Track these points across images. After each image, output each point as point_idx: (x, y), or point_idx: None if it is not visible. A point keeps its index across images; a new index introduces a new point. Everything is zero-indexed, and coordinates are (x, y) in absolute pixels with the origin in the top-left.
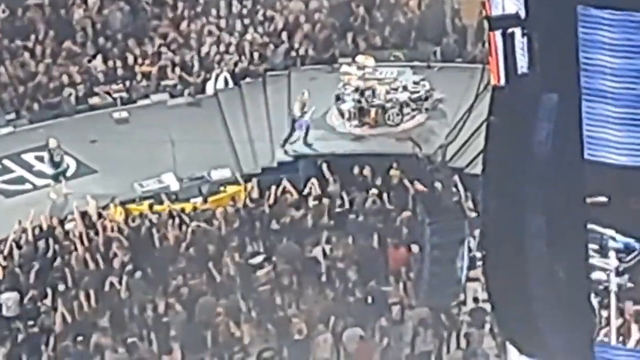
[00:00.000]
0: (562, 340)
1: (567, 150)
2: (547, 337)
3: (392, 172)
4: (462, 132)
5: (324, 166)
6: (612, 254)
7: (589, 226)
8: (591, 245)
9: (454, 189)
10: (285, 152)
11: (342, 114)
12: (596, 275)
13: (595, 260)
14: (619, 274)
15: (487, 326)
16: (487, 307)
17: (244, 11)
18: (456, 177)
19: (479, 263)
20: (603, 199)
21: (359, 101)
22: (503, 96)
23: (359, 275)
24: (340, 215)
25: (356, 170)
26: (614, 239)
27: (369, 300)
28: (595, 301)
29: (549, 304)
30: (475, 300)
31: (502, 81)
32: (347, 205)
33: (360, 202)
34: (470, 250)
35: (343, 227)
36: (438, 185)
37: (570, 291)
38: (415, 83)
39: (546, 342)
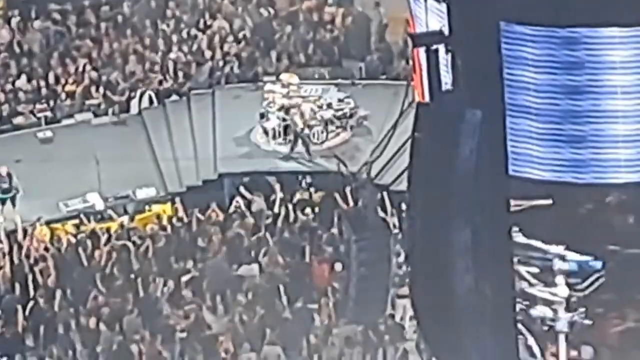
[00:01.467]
0: (487, 356)
1: (491, 166)
2: (472, 354)
3: (316, 190)
4: (387, 149)
5: (246, 184)
6: (560, 279)
7: (530, 242)
8: (530, 269)
9: (379, 206)
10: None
11: (266, 132)
12: (538, 311)
13: (536, 290)
14: (570, 307)
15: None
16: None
17: (168, 30)
18: (381, 194)
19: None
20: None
21: (284, 119)
22: (427, 113)
23: (285, 293)
24: (265, 233)
25: (280, 187)
26: (563, 258)
27: (296, 318)
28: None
29: (474, 320)
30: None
31: (427, 98)
32: (271, 223)
33: (285, 220)
34: (399, 266)
35: (267, 244)
36: (363, 202)
37: (495, 307)
38: (340, 100)
39: (471, 358)
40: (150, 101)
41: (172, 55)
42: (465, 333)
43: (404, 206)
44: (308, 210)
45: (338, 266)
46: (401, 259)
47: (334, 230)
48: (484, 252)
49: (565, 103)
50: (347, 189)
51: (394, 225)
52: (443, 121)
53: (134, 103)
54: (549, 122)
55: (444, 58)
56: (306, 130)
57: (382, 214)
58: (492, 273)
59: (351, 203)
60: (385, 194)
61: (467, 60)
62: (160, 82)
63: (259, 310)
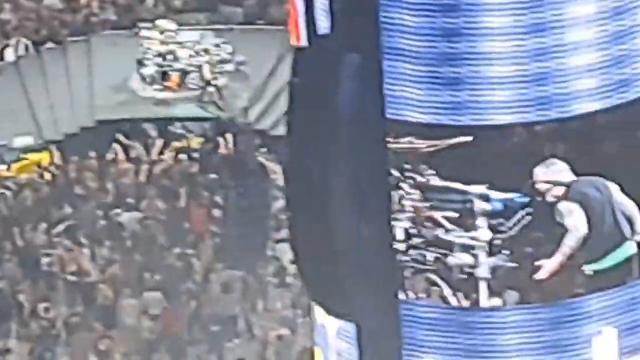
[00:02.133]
0: (368, 299)
1: (369, 109)
2: (352, 297)
3: (195, 136)
4: (265, 94)
5: (124, 131)
6: (482, 221)
7: (447, 184)
8: (446, 214)
9: (257, 152)
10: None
11: (143, 79)
12: (456, 259)
13: (454, 236)
14: (493, 251)
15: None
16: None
17: None
18: (260, 140)
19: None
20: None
21: (161, 65)
22: (305, 57)
23: (164, 239)
24: (144, 180)
25: (158, 134)
26: (485, 198)
27: (175, 264)
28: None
29: (354, 263)
30: (277, 259)
31: (304, 42)
32: (150, 170)
33: (163, 166)
34: (279, 211)
35: (146, 191)
36: (242, 148)
37: (375, 249)
38: (217, 46)
39: (352, 301)
40: (26, 49)
41: (46, 2)
42: (346, 276)
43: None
44: (187, 156)
45: (216, 212)
46: (280, 204)
47: (213, 176)
48: (363, 195)
49: (442, 45)
50: (226, 135)
51: (273, 171)
52: (321, 65)
53: (9, 51)
54: (426, 64)
55: (321, 2)
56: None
57: (260, 159)
58: (372, 216)
59: (230, 149)
60: (263, 139)
61: (344, 3)
62: (36, 30)
63: (138, 257)
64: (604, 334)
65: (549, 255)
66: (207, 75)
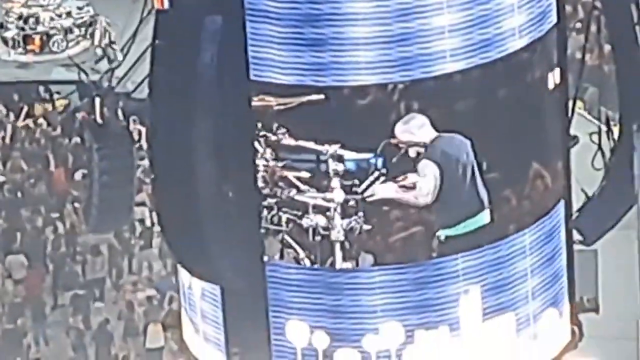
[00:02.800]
0: (232, 261)
1: (232, 71)
2: (217, 259)
3: (58, 99)
4: (128, 57)
5: None
6: (335, 182)
7: (299, 144)
8: (299, 174)
9: (121, 114)
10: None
11: (5, 42)
12: (310, 220)
13: (308, 196)
14: (347, 213)
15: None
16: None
17: None
18: (123, 102)
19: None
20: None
21: (23, 28)
22: (167, 19)
23: (28, 203)
24: (8, 142)
25: (20, 97)
26: (339, 158)
27: (39, 227)
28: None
29: (219, 225)
30: (142, 222)
31: (166, 4)
32: (13, 133)
33: (27, 129)
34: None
35: (10, 154)
36: (105, 110)
37: (240, 211)
38: (79, 9)
39: (216, 264)
40: None
41: None
42: (210, 238)
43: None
44: (50, 119)
45: (78, 175)
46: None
47: (77, 139)
48: (227, 157)
49: (305, 7)
50: (89, 98)
51: (138, 132)
52: (183, 28)
53: None
54: (289, 25)
55: None
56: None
57: (124, 122)
58: (236, 178)
59: (94, 112)
60: (126, 101)
61: None
62: None
63: (1, 221)
64: (471, 292)
65: (406, 216)
66: (72, 37)
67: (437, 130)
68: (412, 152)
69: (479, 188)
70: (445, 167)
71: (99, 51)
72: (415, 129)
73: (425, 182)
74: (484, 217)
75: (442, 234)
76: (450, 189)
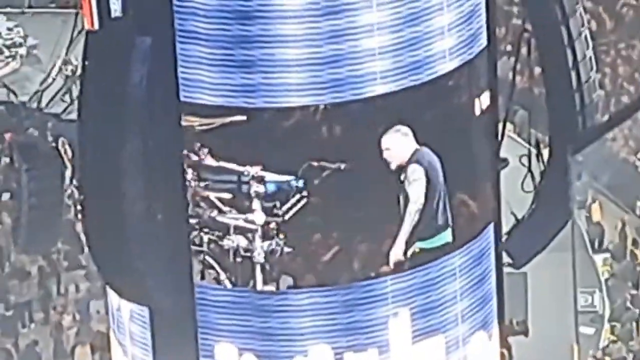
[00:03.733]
0: (161, 282)
1: (162, 92)
2: (145, 280)
3: None
4: (58, 78)
5: None
6: (256, 204)
7: (221, 165)
8: (221, 195)
9: (51, 135)
10: None
11: None
12: (231, 242)
13: (229, 217)
14: (267, 235)
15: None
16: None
17: None
18: (52, 123)
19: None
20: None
21: None
22: (97, 40)
23: None
24: None
25: None
26: (260, 180)
27: None
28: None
29: (148, 246)
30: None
31: (96, 25)
32: None
33: None
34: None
35: None
36: (34, 132)
37: (168, 232)
38: (9, 29)
39: (145, 285)
40: None
41: None
42: (139, 259)
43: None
44: None
45: (6, 195)
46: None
47: (5, 160)
48: (157, 178)
49: (235, 28)
50: (17, 118)
51: (66, 153)
52: (112, 49)
53: None
54: (219, 47)
55: None
56: None
57: (53, 143)
58: (165, 199)
59: (23, 133)
60: (55, 123)
61: None
62: None
63: None
64: (400, 315)
65: (328, 237)
66: (1, 58)
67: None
68: (396, 164)
69: (447, 208)
70: (429, 175)
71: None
72: (402, 137)
73: (418, 186)
74: (448, 235)
75: (418, 245)
76: (430, 197)
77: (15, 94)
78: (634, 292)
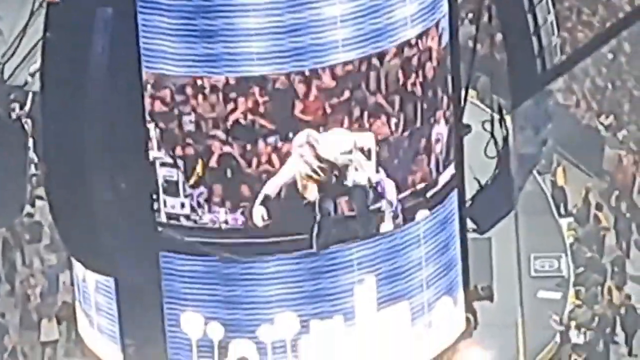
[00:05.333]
0: (127, 253)
1: (124, 63)
2: (111, 251)
3: None
4: (19, 50)
5: None
6: None
7: None
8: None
9: (13, 107)
10: None
11: None
12: None
13: None
14: None
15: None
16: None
17: None
18: (15, 95)
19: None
20: None
21: None
22: (58, 11)
23: None
24: None
25: None
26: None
27: None
28: None
29: (112, 216)
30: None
31: None
32: None
33: None
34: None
35: None
36: None
37: (133, 203)
38: None
39: (110, 256)
40: None
41: None
42: (103, 230)
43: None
44: None
45: None
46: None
47: None
48: (120, 148)
49: None
50: None
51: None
52: (73, 19)
53: None
54: (181, 17)
55: None
56: None
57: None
58: (129, 169)
59: None
60: (18, 94)
61: None
62: None
63: None
64: (365, 282)
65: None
66: None
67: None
68: None
69: None
70: None
71: None
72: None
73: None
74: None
75: None
76: None
77: None
78: (597, 255)
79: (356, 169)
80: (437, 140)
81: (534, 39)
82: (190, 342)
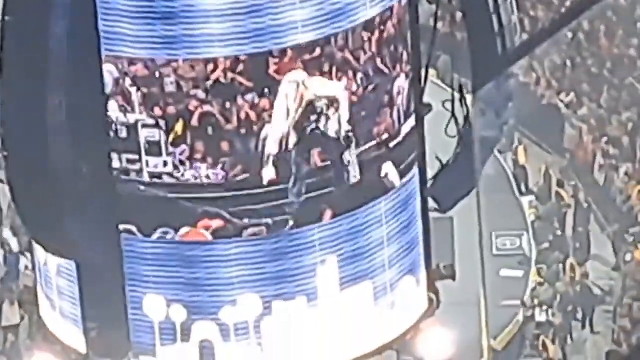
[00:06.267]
0: (88, 235)
1: (84, 46)
2: (72, 234)
3: None
4: None
5: None
6: None
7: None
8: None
9: None
10: None
11: None
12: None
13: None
14: None
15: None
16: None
17: None
18: None
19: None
20: None
21: None
22: None
23: None
24: None
25: None
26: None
27: None
28: None
29: (73, 200)
30: None
31: None
32: None
33: None
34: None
35: None
36: None
37: (94, 185)
38: None
39: (72, 239)
40: None
41: None
42: (65, 213)
43: None
44: None
45: None
46: None
47: None
48: (82, 132)
49: None
50: None
51: None
52: (33, 3)
53: None
54: None
55: None
56: None
57: None
58: (90, 153)
59: None
60: None
61: None
62: None
63: None
64: (327, 262)
65: None
66: None
67: None
68: None
69: None
70: None
71: None
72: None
73: None
74: None
75: None
76: None
77: None
78: (559, 233)
79: (328, 118)
80: (399, 93)
81: (494, 18)
82: (153, 325)
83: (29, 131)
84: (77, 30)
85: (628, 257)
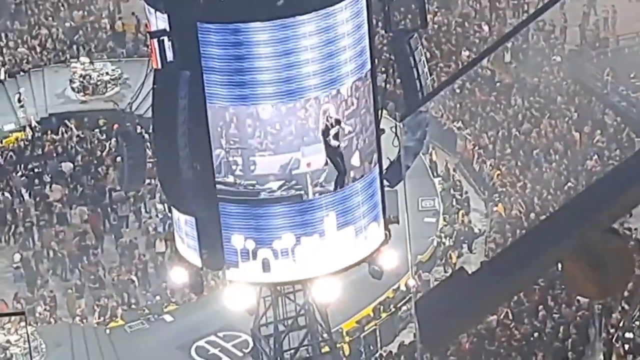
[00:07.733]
0: (200, 203)
1: (195, 107)
2: (189, 202)
3: (101, 120)
4: (140, 95)
5: (66, 118)
6: None
7: None
8: None
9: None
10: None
11: (73, 90)
12: None
13: None
14: None
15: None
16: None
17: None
18: (139, 119)
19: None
20: None
21: (82, 82)
22: (159, 75)
23: None
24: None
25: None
26: None
27: None
28: None
29: (192, 183)
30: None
31: (159, 65)
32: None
33: (88, 141)
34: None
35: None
36: (129, 124)
37: (201, 175)
38: (113, 70)
39: (189, 205)
40: (7, 74)
41: (20, 50)
42: (188, 190)
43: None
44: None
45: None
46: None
47: (113, 139)
48: (196, 148)
49: None
50: (119, 117)
51: (149, 134)
52: (168, 76)
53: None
54: None
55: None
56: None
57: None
58: (200, 156)
59: (122, 124)
60: (140, 119)
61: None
62: (4, 64)
63: None
64: (330, 216)
65: None
66: (110, 86)
67: None
68: None
69: None
70: None
71: None
72: None
73: None
74: None
75: None
76: None
77: (117, 104)
78: (458, 196)
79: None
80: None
81: (417, 82)
82: (236, 250)
83: (167, 147)
84: (192, 94)
85: (494, 209)
